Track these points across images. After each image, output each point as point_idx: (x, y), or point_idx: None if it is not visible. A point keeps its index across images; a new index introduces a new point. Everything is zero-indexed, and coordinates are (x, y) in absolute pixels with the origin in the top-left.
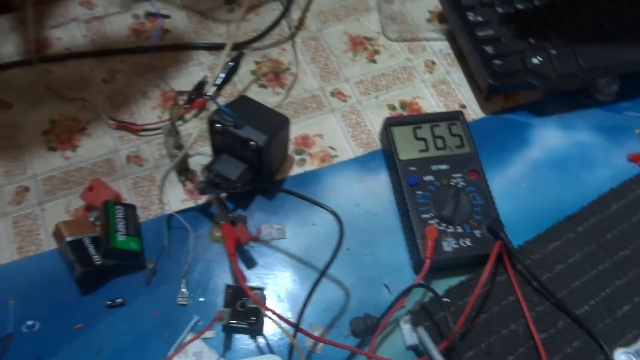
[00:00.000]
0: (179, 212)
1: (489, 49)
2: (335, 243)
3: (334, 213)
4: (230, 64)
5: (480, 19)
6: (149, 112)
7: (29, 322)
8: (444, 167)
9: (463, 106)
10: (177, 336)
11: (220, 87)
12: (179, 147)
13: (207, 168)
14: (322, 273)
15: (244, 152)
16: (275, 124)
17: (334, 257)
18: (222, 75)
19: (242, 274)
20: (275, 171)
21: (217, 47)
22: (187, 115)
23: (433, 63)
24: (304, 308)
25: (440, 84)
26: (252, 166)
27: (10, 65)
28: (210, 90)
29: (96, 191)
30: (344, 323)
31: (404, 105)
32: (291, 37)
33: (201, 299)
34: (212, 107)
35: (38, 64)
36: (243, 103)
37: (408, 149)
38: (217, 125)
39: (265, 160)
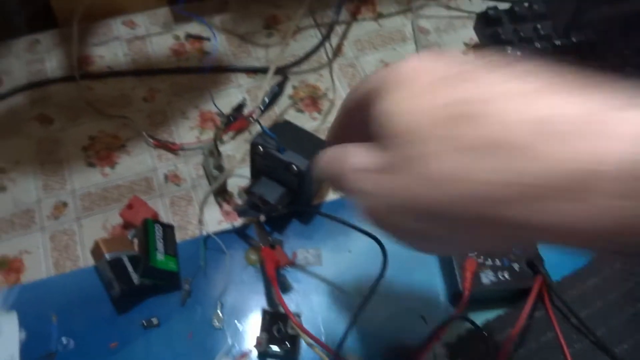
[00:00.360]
0: (215, 233)
1: None
2: (377, 271)
3: (377, 240)
4: (275, 87)
5: (519, 52)
6: (187, 132)
7: (64, 340)
8: None
9: None
10: (210, 357)
11: (264, 110)
12: (219, 168)
13: (247, 190)
14: (365, 301)
15: (284, 175)
16: (315, 148)
17: (376, 284)
18: (267, 99)
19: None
20: (314, 196)
21: (255, 71)
22: (225, 137)
23: None
24: (345, 337)
25: None
26: (291, 190)
27: (54, 81)
28: (254, 113)
29: (135, 209)
30: (378, 352)
31: None
32: (329, 63)
33: (236, 322)
34: (253, 129)
35: (80, 80)
36: (284, 127)
37: None
38: (259, 148)
39: (306, 184)
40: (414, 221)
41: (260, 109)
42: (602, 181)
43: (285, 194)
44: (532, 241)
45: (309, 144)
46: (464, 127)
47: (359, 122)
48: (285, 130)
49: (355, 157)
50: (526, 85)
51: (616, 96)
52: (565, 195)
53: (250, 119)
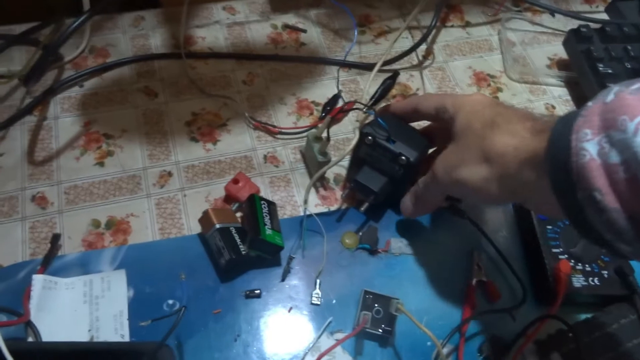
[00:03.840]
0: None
1: None
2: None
3: (481, 230)
4: (388, 82)
5: (610, 70)
6: (285, 117)
7: (170, 301)
8: None
9: None
10: (310, 333)
11: (375, 102)
12: (325, 154)
13: (352, 178)
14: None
15: (389, 165)
16: (420, 143)
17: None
18: (378, 91)
19: (373, 283)
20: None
21: (349, 65)
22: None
23: (553, 107)
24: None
25: None
26: (393, 180)
27: (160, 56)
28: (355, 104)
29: (241, 184)
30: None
31: None
32: (419, 64)
33: (333, 301)
34: (347, 120)
35: (185, 59)
36: (389, 120)
37: None
38: (369, 137)
39: (411, 175)
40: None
41: (373, 99)
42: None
43: (387, 184)
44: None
45: (414, 138)
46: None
47: (420, 116)
48: (391, 123)
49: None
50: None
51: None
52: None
53: (360, 107)
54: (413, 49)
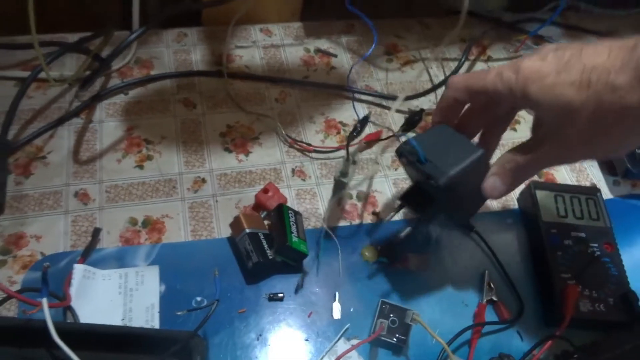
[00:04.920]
0: (333, 228)
1: None
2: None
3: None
4: (415, 117)
5: None
6: (314, 135)
7: (198, 298)
8: (582, 234)
9: (593, 185)
10: (328, 338)
11: (407, 130)
12: (345, 174)
13: (400, 197)
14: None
15: (428, 185)
16: (462, 158)
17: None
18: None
19: (389, 295)
20: (473, 211)
21: (376, 96)
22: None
23: None
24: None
25: None
26: (435, 200)
27: (202, 73)
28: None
29: (270, 194)
30: None
31: (539, 174)
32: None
33: (351, 309)
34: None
35: (225, 78)
36: (439, 133)
37: (549, 212)
38: (402, 158)
39: (450, 198)
40: None
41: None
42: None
43: (432, 206)
44: None
45: (461, 153)
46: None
47: (478, 105)
48: (439, 137)
49: None
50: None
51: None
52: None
53: (395, 134)
54: (438, 86)
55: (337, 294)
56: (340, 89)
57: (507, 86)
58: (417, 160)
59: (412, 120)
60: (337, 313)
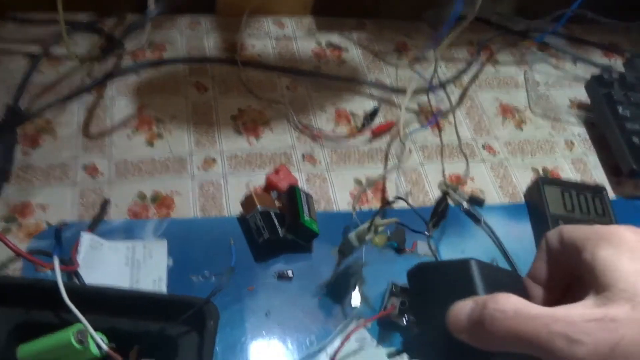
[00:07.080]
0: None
1: (636, 140)
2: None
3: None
4: (441, 206)
5: (628, 113)
6: (324, 123)
7: (206, 272)
8: None
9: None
10: (338, 317)
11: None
12: (361, 240)
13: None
14: None
15: None
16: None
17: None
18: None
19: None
20: None
21: (384, 87)
22: (364, 144)
23: (572, 143)
24: None
25: (577, 162)
26: None
27: (215, 60)
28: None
29: (281, 175)
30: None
31: (545, 172)
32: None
33: (361, 292)
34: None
35: (239, 66)
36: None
37: (556, 205)
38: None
39: None
40: None
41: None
42: None
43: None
44: None
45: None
46: None
47: (563, 263)
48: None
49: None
50: None
51: None
52: None
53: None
54: (448, 82)
55: (357, 284)
56: (352, 82)
57: None
58: None
59: (440, 211)
60: (356, 300)
